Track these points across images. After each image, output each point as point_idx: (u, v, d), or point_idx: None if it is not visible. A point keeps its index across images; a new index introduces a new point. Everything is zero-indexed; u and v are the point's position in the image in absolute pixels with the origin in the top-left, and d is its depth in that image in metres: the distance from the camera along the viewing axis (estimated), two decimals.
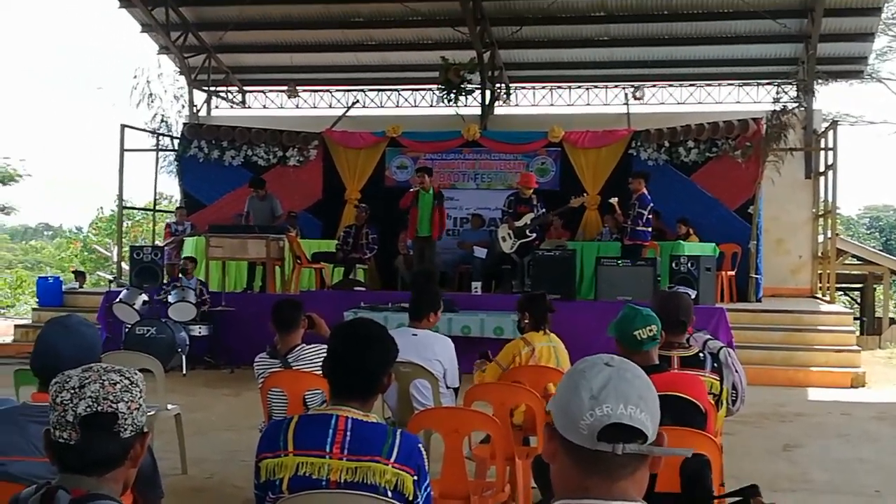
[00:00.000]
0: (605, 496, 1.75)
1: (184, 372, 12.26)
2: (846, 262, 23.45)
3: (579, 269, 13.86)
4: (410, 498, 2.94)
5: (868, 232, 49.85)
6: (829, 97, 66.43)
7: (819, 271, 17.31)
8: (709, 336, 6.15)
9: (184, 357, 12.37)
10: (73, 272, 19.83)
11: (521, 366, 6.19)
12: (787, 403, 10.55)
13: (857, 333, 23.13)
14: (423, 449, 3.03)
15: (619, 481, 1.75)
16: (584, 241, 15.45)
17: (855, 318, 27.37)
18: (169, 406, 7.06)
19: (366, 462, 2.92)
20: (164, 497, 3.49)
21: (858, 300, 26.59)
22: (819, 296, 16.54)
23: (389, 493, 2.90)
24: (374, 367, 3.12)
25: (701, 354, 4.99)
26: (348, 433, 2.96)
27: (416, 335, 6.33)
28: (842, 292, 29.26)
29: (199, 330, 12.82)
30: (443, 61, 18.50)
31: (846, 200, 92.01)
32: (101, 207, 37.26)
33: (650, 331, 4.23)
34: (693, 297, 6.50)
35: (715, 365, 5.03)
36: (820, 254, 17.27)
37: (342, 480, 2.91)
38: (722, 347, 6.00)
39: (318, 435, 2.96)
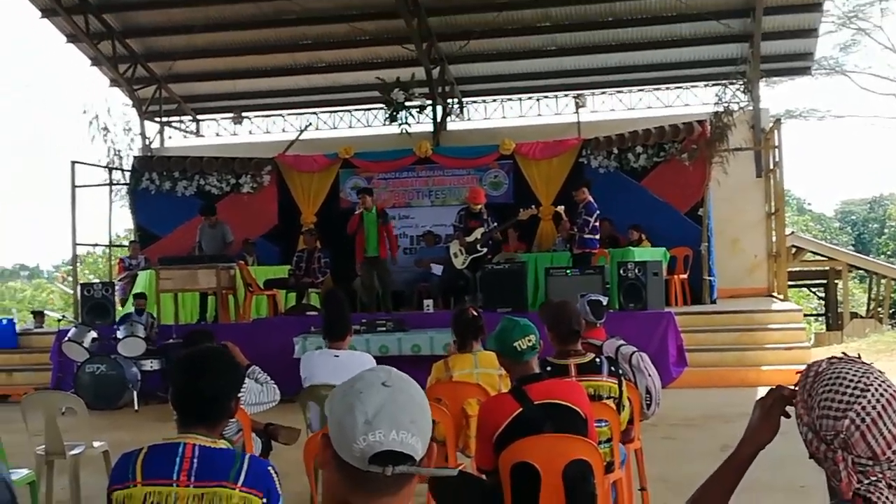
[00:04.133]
0: None
1: (136, 407, 12.21)
2: (808, 258, 23.59)
3: (533, 281, 13.89)
4: None
5: (840, 227, 50.11)
6: (792, 93, 67.10)
7: (775, 269, 17.36)
8: (621, 342, 6.19)
9: (135, 392, 12.32)
10: (31, 312, 19.72)
11: (440, 382, 6.15)
12: (734, 404, 10.51)
13: (824, 329, 23.37)
14: (273, 472, 3.03)
15: (382, 498, 1.79)
16: (538, 253, 15.48)
17: (820, 315, 27.61)
18: (95, 444, 6.99)
19: (212, 488, 2.93)
20: None
21: (823, 296, 26.77)
22: (776, 294, 16.61)
23: None
24: (217, 395, 3.13)
25: (598, 360, 5.01)
26: (195, 460, 2.97)
27: (337, 356, 6.33)
28: (807, 289, 29.47)
29: (151, 364, 12.74)
30: (379, 81, 18.52)
31: (821, 196, 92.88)
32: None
33: (529, 341, 4.25)
34: (605, 303, 6.50)
35: (612, 369, 5.04)
36: (774, 252, 17.34)
37: None
38: (634, 352, 6.04)
39: (165, 464, 2.97)
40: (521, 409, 4.14)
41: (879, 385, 1.87)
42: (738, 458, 2.15)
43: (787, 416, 2.09)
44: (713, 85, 18.83)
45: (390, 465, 1.73)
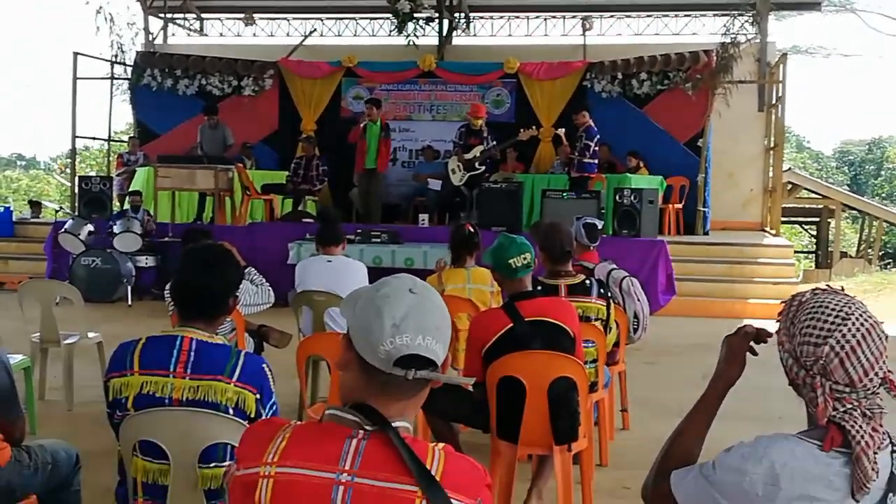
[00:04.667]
0: (383, 413, 1.86)
1: (129, 302, 12.34)
2: (804, 196, 23.62)
3: (528, 201, 13.95)
4: (253, 415, 3.02)
5: (837, 167, 50.10)
6: (798, 28, 66.47)
7: (769, 204, 17.40)
8: (613, 266, 6.27)
9: (129, 287, 12.43)
10: (28, 202, 19.77)
11: None
12: (719, 334, 10.45)
13: (813, 267, 23.51)
14: (267, 369, 3.10)
15: (400, 401, 1.87)
16: (536, 174, 15.51)
17: (810, 252, 27.74)
18: (90, 334, 7.11)
19: (207, 381, 3.00)
20: (23, 416, 3.58)
21: (815, 234, 26.85)
22: (768, 229, 16.69)
23: (231, 411, 2.99)
24: (219, 290, 3.20)
25: (587, 282, 5.09)
26: (192, 353, 3.04)
27: (330, 261, 6.43)
28: (799, 226, 29.56)
29: (146, 261, 12.85)
30: None
31: (821, 135, 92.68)
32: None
33: (524, 259, 4.32)
34: (600, 227, 6.59)
35: (601, 291, 5.13)
36: (770, 187, 17.37)
37: (184, 399, 2.99)
38: (625, 277, 6.13)
39: (162, 355, 3.04)
40: (511, 325, 4.24)
41: (860, 315, 1.95)
42: (711, 394, 2.24)
43: (755, 353, 2.17)
44: (722, 15, 18.64)
45: (413, 369, 1.81)
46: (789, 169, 22.80)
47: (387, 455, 1.79)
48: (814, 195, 23.66)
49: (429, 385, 1.89)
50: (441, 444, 1.88)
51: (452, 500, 1.76)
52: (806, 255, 28.26)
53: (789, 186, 21.76)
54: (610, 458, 5.67)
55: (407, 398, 1.88)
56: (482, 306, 5.96)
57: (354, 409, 1.85)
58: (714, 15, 19.54)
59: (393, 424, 1.83)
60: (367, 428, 1.82)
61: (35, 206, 17.95)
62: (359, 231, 12.21)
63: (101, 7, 17.85)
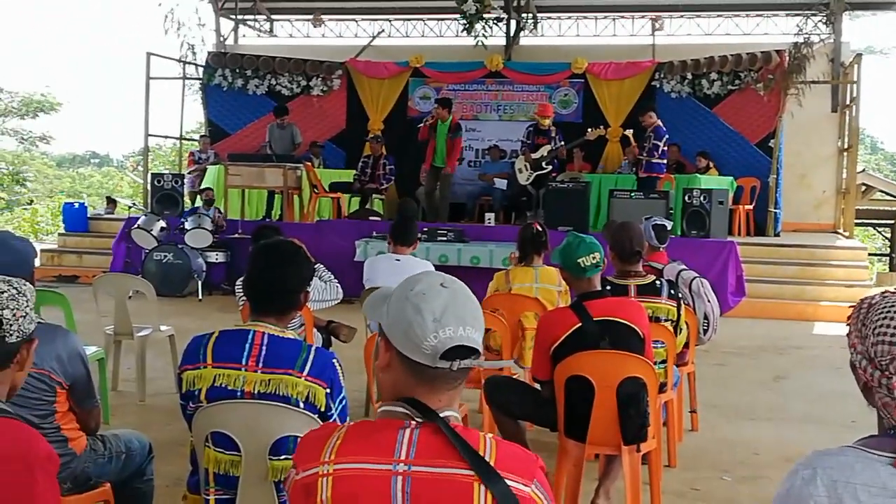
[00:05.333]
0: (433, 405, 1.90)
1: (199, 297, 12.52)
2: (878, 198, 23.15)
3: (595, 201, 13.87)
4: (323, 409, 3.05)
5: None
6: (875, 28, 65.13)
7: (843, 206, 17.09)
8: (683, 266, 6.21)
9: (199, 283, 12.62)
10: (106, 198, 20.11)
11: (499, 293, 6.25)
12: (790, 337, 10.59)
13: (887, 270, 23.02)
14: (337, 364, 3.13)
15: (446, 392, 1.91)
16: (603, 174, 15.42)
17: (884, 255, 27.15)
18: (162, 327, 7.22)
19: (279, 375, 3.03)
20: (98, 406, 3.65)
21: (889, 237, 26.27)
22: (841, 231, 16.39)
23: (301, 405, 3.02)
24: (289, 286, 3.24)
25: (658, 282, 5.05)
26: (264, 347, 3.08)
27: (399, 260, 6.46)
28: (873, 229, 28.96)
29: (216, 257, 13.06)
30: None
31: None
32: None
33: (593, 258, 4.29)
34: (669, 227, 6.52)
35: (672, 292, 5.08)
36: (844, 188, 17.06)
37: (256, 391, 3.03)
38: (695, 278, 6.07)
39: (235, 349, 3.08)
40: (580, 324, 4.22)
41: None
42: None
43: None
44: (795, 15, 18.35)
45: (457, 360, 1.85)
46: (863, 170, 22.36)
47: (440, 443, 1.83)
48: (888, 197, 23.17)
49: (469, 372, 1.93)
50: (490, 434, 1.91)
51: (509, 483, 1.79)
52: (880, 257, 27.69)
53: (863, 188, 21.33)
54: (678, 459, 5.62)
55: (453, 388, 1.92)
56: (549, 305, 5.93)
57: (404, 402, 1.89)
58: (786, 14, 19.22)
59: (442, 415, 1.87)
60: (418, 419, 1.86)
61: (111, 202, 18.28)
62: (425, 230, 12.25)
63: (171, 9, 18.14)
